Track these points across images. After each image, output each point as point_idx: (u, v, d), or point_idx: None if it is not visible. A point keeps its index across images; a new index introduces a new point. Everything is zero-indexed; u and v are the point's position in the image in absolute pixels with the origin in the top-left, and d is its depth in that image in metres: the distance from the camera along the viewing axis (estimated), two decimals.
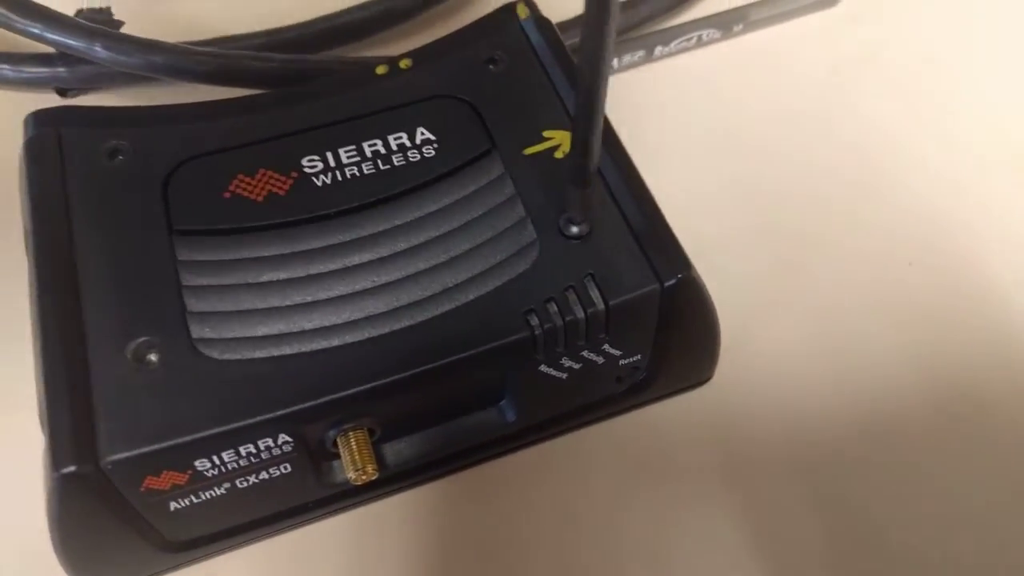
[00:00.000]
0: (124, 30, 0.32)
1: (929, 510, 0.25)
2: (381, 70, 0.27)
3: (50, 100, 0.33)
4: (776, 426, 0.27)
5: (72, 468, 0.19)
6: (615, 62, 0.34)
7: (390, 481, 0.24)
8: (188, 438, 0.20)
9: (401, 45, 0.34)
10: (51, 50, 0.31)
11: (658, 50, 0.35)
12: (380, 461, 0.23)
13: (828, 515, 0.25)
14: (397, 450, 0.24)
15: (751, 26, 0.36)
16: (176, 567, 0.23)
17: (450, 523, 0.25)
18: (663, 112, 0.34)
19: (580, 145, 0.20)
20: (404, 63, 0.27)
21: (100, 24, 0.31)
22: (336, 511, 0.24)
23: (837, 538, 0.25)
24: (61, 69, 0.32)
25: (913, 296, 0.30)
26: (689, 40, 0.35)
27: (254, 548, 0.24)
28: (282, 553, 0.24)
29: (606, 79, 0.18)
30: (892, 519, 0.25)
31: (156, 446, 0.20)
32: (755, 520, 0.25)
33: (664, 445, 0.26)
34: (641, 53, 0.35)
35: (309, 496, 0.23)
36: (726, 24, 0.36)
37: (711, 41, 0.36)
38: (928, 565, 0.25)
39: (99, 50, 0.29)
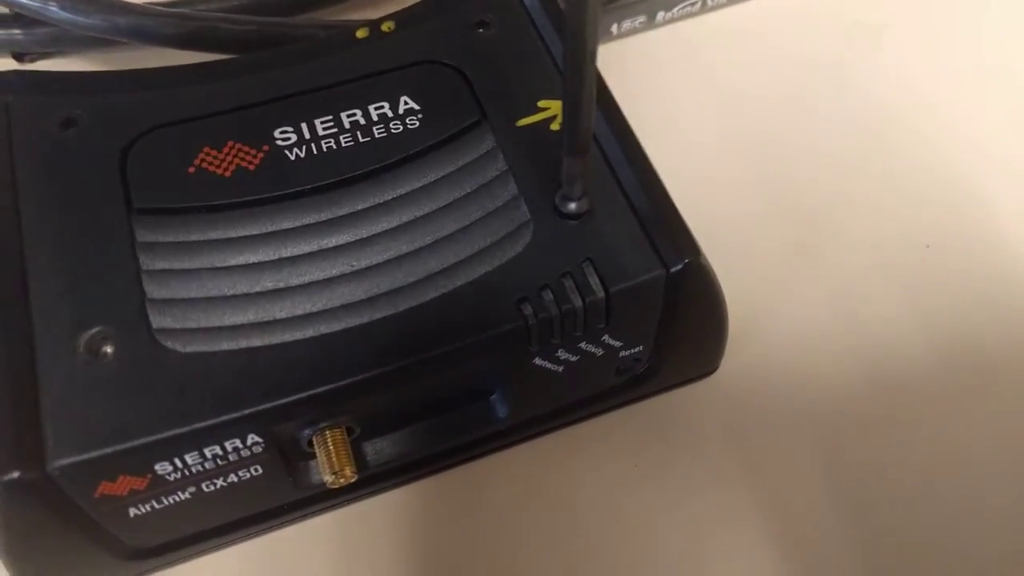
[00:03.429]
0: None
1: (944, 500, 0.24)
2: (361, 34, 0.25)
3: (6, 66, 0.30)
4: (784, 417, 0.25)
5: (15, 474, 0.17)
6: (614, 28, 0.32)
7: (372, 481, 0.22)
8: (146, 440, 0.18)
9: (386, 6, 0.32)
10: (5, 10, 0.29)
11: (660, 15, 0.33)
12: (360, 461, 0.22)
13: (842, 508, 0.24)
14: (379, 448, 0.22)
15: None
16: (142, 575, 0.22)
17: (440, 521, 0.23)
18: (666, 82, 0.32)
19: (571, 103, 0.18)
20: (386, 26, 0.25)
21: None
22: (315, 513, 0.23)
23: (852, 527, 0.23)
24: (17, 31, 0.30)
25: (932, 273, 0.28)
26: (693, 5, 0.33)
27: (228, 551, 0.22)
28: (258, 554, 0.23)
29: (596, 23, 0.16)
30: (909, 511, 0.24)
31: (110, 449, 0.18)
32: (765, 509, 0.24)
33: (667, 437, 0.25)
34: (642, 19, 0.32)
35: (284, 498, 0.22)
36: None
37: (717, 6, 0.33)
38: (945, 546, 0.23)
39: (55, 9, 0.27)
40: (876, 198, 0.29)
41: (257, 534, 0.22)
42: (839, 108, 0.31)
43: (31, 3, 0.27)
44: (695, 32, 0.33)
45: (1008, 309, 0.27)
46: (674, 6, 0.33)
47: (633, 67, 0.32)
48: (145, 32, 0.28)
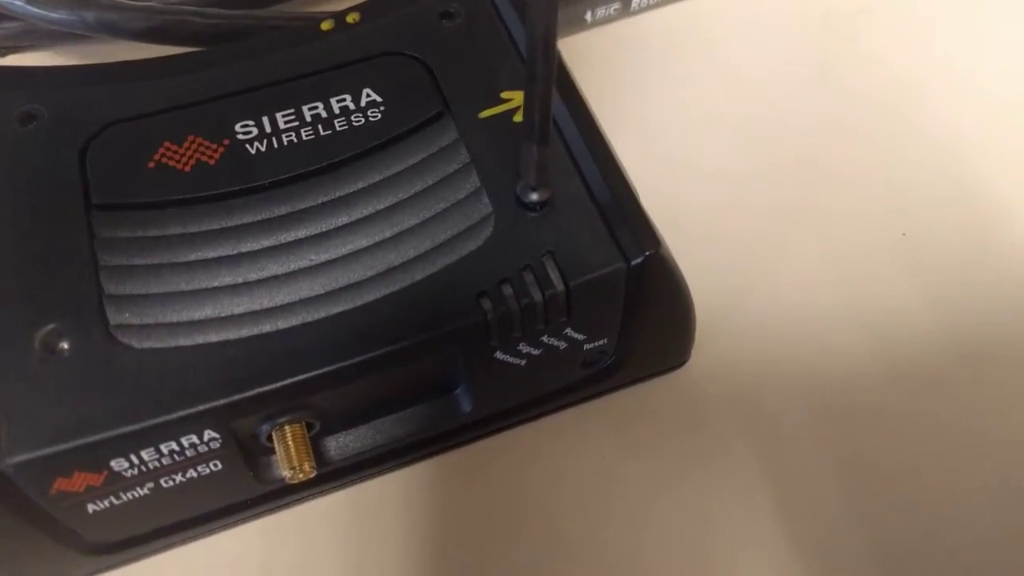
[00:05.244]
0: None
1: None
2: (327, 25, 0.25)
3: None
4: (755, 408, 0.25)
5: None
6: (588, 15, 0.32)
7: (336, 476, 0.22)
8: (100, 436, 0.18)
9: None
10: None
11: (636, 2, 0.32)
12: (321, 456, 0.21)
13: (819, 499, 0.24)
14: (343, 443, 0.22)
15: None
16: (104, 570, 0.22)
17: (406, 515, 0.23)
18: (642, 71, 0.32)
19: (530, 91, 0.18)
20: (351, 17, 0.25)
21: None
22: (278, 508, 0.23)
23: (830, 517, 0.23)
24: None
25: (909, 262, 0.28)
26: None
27: (191, 545, 0.22)
28: (222, 548, 0.23)
29: (556, 10, 0.16)
30: (887, 501, 0.24)
31: (64, 446, 0.18)
32: (738, 500, 0.23)
33: (636, 429, 0.25)
34: (617, 5, 0.32)
35: (246, 494, 0.22)
36: None
37: None
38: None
39: (20, 4, 0.27)
40: (852, 186, 0.29)
41: (221, 529, 0.22)
42: (818, 95, 0.31)
43: None
44: (671, 19, 0.33)
45: (992, 300, 0.27)
46: None
47: (609, 56, 0.32)
48: (113, 26, 0.28)
